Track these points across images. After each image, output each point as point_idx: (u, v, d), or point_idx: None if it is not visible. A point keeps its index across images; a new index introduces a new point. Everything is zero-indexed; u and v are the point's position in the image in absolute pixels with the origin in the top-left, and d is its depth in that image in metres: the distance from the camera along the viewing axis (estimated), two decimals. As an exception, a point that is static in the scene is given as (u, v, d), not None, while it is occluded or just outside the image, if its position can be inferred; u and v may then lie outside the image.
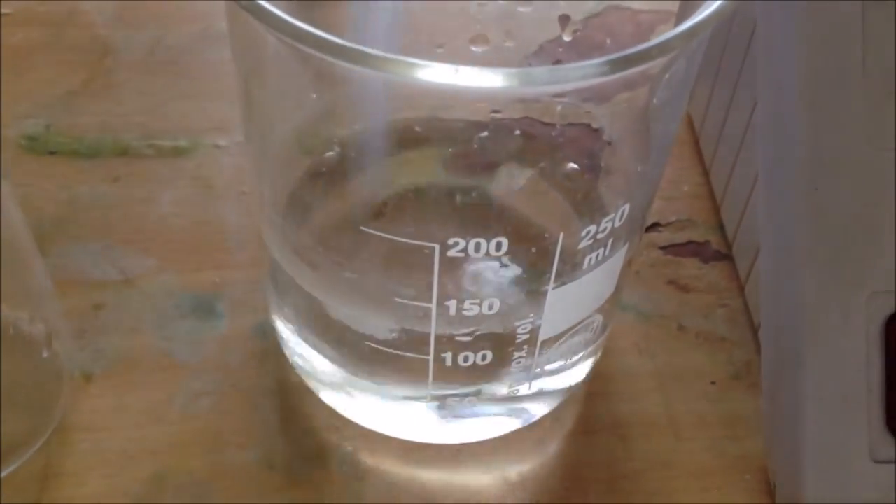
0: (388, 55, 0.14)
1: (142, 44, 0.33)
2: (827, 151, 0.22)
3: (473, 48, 0.25)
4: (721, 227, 0.29)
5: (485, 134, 0.23)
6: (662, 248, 0.29)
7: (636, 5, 0.27)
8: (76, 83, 0.32)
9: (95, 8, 0.34)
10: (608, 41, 0.26)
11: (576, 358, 0.23)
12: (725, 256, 0.29)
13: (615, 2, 0.26)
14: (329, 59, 0.15)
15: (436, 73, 0.14)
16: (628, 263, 0.22)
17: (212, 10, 0.34)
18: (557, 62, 0.25)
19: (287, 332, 0.24)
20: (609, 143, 0.23)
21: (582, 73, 0.15)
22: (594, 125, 0.23)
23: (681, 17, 0.22)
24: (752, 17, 0.25)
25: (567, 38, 0.25)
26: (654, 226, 0.29)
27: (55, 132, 0.31)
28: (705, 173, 0.31)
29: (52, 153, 0.30)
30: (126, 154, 0.30)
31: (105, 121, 0.31)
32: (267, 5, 0.15)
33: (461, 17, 0.26)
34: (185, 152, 0.30)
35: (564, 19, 0.24)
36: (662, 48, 0.15)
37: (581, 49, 0.26)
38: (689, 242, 0.29)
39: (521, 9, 0.25)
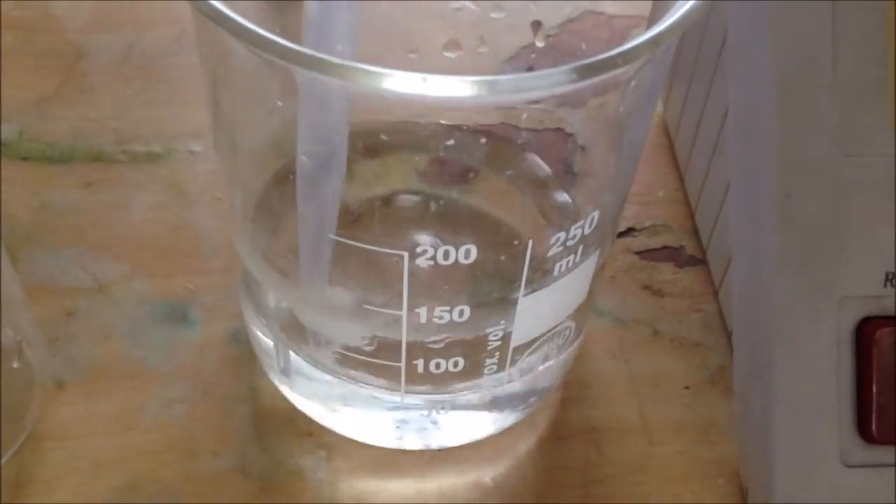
0: (354, 64, 0.14)
1: (115, 48, 0.33)
2: (797, 158, 0.22)
3: (447, 54, 0.25)
4: (696, 232, 0.29)
5: (457, 140, 0.23)
6: (637, 252, 0.29)
7: (610, 10, 0.27)
8: (49, 88, 0.32)
9: (69, 12, 0.34)
10: (583, 46, 0.26)
11: (549, 363, 0.23)
12: (700, 261, 0.29)
13: (591, 1, 0.26)
14: (293, 67, 0.15)
15: (403, 83, 0.14)
16: (601, 269, 0.22)
17: (186, 15, 0.34)
18: (530, 69, 0.25)
19: (260, 339, 0.24)
20: (582, 149, 0.23)
21: (548, 82, 0.15)
22: (568, 130, 0.23)
23: (652, 20, 0.22)
24: (724, 23, 0.25)
25: (540, 43, 0.25)
26: (630, 230, 0.30)
27: (27, 138, 0.30)
28: (680, 178, 0.31)
29: (24, 159, 0.30)
30: (99, 160, 0.30)
31: (78, 126, 0.31)
32: (231, 14, 0.15)
33: (435, 22, 0.26)
34: (159, 158, 0.30)
35: (536, 25, 0.24)
36: (627, 56, 0.15)
37: (555, 54, 0.26)
38: (664, 247, 0.29)
39: (493, 14, 0.25)
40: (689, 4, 0.16)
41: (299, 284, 0.21)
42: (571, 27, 0.26)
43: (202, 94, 0.21)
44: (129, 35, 0.33)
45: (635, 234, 0.30)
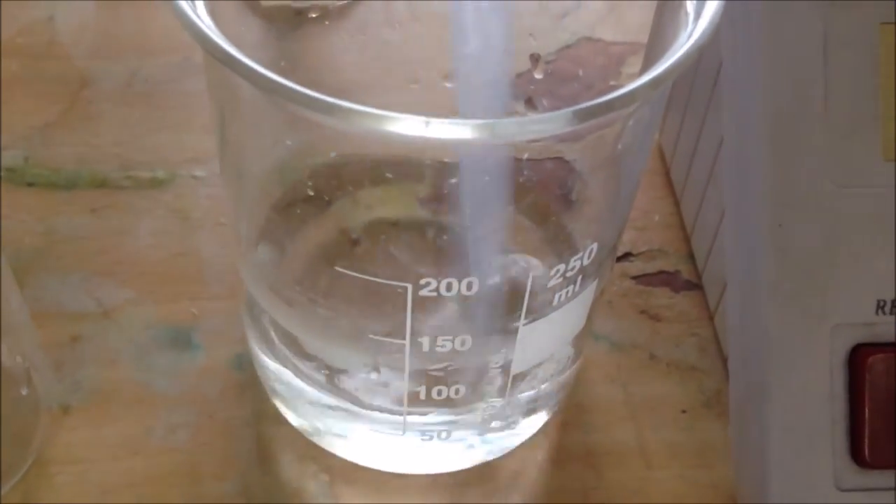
0: (359, 107, 0.15)
1: (119, 75, 0.33)
2: (790, 189, 0.22)
3: (447, 84, 0.26)
4: (691, 257, 0.30)
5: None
6: (634, 277, 0.30)
7: (607, 36, 0.27)
8: (54, 115, 0.32)
9: (73, 39, 0.34)
10: (580, 72, 0.27)
11: (548, 389, 0.24)
12: (695, 286, 0.29)
13: (587, 28, 0.27)
14: (300, 110, 0.15)
15: (406, 126, 0.15)
16: (600, 296, 0.23)
17: (190, 42, 0.34)
18: (529, 99, 0.26)
19: (264, 364, 0.24)
20: (581, 179, 0.24)
21: (547, 126, 0.15)
22: (567, 157, 0.24)
23: (650, 48, 0.22)
24: (718, 53, 0.26)
25: (538, 76, 0.25)
26: (626, 255, 0.30)
27: (33, 164, 0.31)
28: (676, 203, 0.31)
29: (29, 185, 0.30)
30: (104, 186, 0.30)
31: (83, 152, 0.31)
32: (241, 57, 0.16)
33: (435, 52, 0.26)
34: (163, 183, 0.31)
35: (535, 58, 0.25)
36: (626, 99, 0.16)
37: (553, 80, 0.26)
38: (661, 272, 0.30)
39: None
40: (686, 46, 0.17)
41: (304, 313, 0.21)
42: (569, 53, 0.27)
43: (207, 120, 0.22)
44: (134, 62, 0.34)
45: (632, 258, 0.30)
